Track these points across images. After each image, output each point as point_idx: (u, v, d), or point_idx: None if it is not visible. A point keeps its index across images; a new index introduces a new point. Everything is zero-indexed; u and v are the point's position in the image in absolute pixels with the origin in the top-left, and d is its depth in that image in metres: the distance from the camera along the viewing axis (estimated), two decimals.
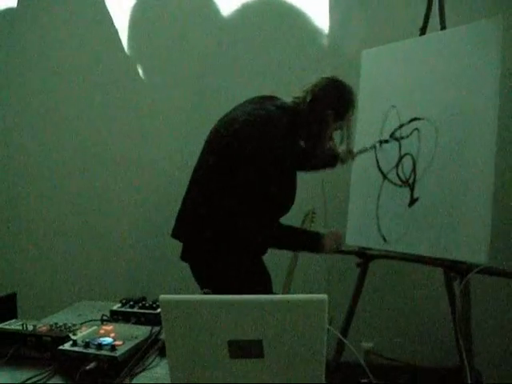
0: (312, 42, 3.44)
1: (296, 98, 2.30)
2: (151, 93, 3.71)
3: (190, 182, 2.38)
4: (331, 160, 2.66)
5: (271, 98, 2.35)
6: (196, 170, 2.36)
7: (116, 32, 3.70)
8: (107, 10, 3.70)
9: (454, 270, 2.44)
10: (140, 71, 3.71)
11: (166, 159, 3.69)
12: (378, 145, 2.78)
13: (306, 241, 2.31)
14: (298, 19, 3.44)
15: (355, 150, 2.77)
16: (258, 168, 2.13)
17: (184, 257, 2.36)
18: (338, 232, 2.39)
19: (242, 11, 3.52)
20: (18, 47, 3.87)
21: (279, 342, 1.18)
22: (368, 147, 2.78)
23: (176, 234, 2.37)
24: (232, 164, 2.15)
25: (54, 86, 3.83)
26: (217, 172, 2.20)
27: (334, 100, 2.28)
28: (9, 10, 3.87)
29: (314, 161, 2.48)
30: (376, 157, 2.86)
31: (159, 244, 3.63)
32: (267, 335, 1.17)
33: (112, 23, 3.70)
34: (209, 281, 2.28)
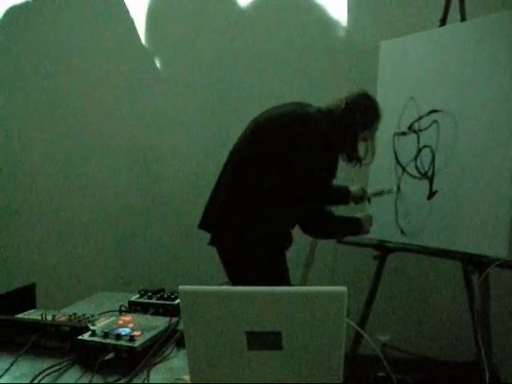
0: (330, 33, 3.42)
1: (329, 105, 2.44)
2: (167, 87, 3.71)
3: (223, 172, 2.47)
4: (344, 198, 2.78)
5: (303, 104, 2.47)
6: (233, 162, 2.44)
7: (132, 27, 3.71)
8: (124, 5, 3.71)
9: (473, 263, 2.42)
10: (158, 65, 3.72)
11: (182, 152, 3.70)
12: (395, 188, 2.82)
13: (351, 226, 2.51)
14: (315, 10, 3.42)
15: (370, 191, 2.82)
16: (312, 156, 2.29)
17: (213, 241, 2.43)
18: (369, 215, 2.58)
19: (258, 3, 3.50)
20: (37, 40, 3.88)
21: (298, 334, 1.18)
22: (385, 190, 2.80)
23: (205, 223, 2.46)
24: (284, 154, 2.29)
25: (64, 85, 3.85)
26: (265, 163, 2.32)
27: (363, 110, 2.43)
28: (25, 4, 3.88)
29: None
30: (394, 149, 2.84)
31: (178, 235, 3.65)
32: (286, 327, 1.17)
33: (128, 17, 3.70)
34: (235, 268, 2.39)
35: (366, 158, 2.53)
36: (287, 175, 2.28)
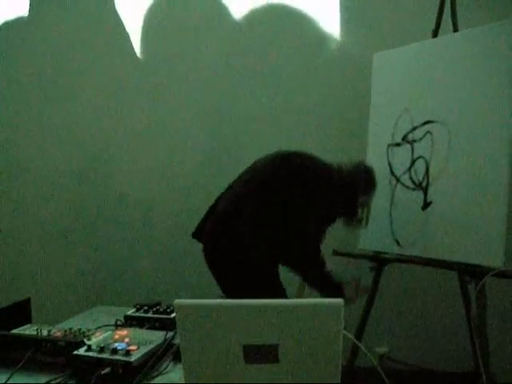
0: (322, 46, 3.44)
1: (331, 164, 2.50)
2: (164, 97, 3.72)
3: (225, 195, 2.50)
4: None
5: (314, 156, 2.51)
6: (235, 188, 2.48)
7: (127, 38, 3.72)
8: (119, 16, 3.72)
9: (469, 273, 2.43)
10: (152, 79, 3.73)
11: (177, 165, 3.70)
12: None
13: (332, 290, 2.42)
14: (307, 24, 3.44)
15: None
16: (320, 196, 2.36)
17: (206, 257, 2.44)
18: (356, 282, 2.51)
19: (251, 16, 3.52)
20: (32, 54, 3.89)
21: (295, 347, 1.17)
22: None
23: (198, 235, 2.48)
24: (287, 199, 2.33)
25: (63, 96, 3.86)
26: (268, 196, 2.35)
27: (362, 177, 2.50)
28: (19, 19, 3.90)
29: None
30: (388, 160, 2.85)
31: (173, 249, 3.65)
32: (282, 340, 1.17)
33: (124, 29, 3.72)
34: (227, 284, 2.40)
35: (361, 222, 2.59)
36: (287, 217, 2.31)
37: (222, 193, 2.52)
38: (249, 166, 2.53)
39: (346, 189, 2.45)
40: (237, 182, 2.49)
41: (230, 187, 2.51)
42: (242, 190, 2.42)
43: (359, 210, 2.52)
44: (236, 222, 2.33)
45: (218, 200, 2.52)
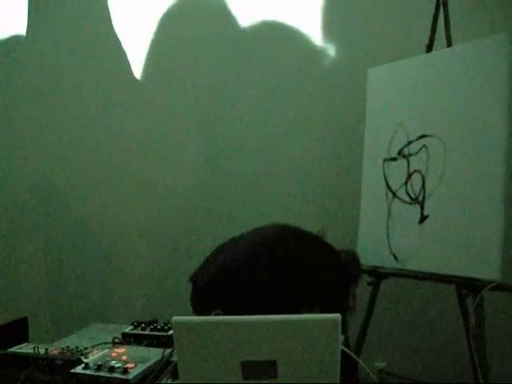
0: (316, 62, 3.46)
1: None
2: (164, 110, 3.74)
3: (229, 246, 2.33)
4: None
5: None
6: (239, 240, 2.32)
7: (123, 53, 3.74)
8: (113, 28, 3.74)
9: (467, 287, 2.42)
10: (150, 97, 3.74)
11: (181, 185, 3.69)
12: None
13: None
14: (300, 40, 3.46)
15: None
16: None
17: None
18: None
19: (248, 32, 3.54)
20: (33, 67, 3.91)
21: (293, 362, 1.17)
22: None
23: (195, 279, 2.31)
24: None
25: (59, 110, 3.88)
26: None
27: (355, 266, 2.43)
28: (14, 38, 3.93)
29: None
30: (384, 175, 2.85)
31: (170, 266, 3.64)
32: (280, 355, 1.16)
33: (119, 43, 3.74)
34: None
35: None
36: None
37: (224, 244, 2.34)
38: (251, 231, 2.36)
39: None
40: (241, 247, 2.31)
41: (234, 244, 2.32)
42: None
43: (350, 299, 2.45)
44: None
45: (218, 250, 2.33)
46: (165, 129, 3.72)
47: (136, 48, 3.73)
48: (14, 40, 3.94)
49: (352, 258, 2.44)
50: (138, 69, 3.74)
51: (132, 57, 3.74)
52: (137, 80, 3.74)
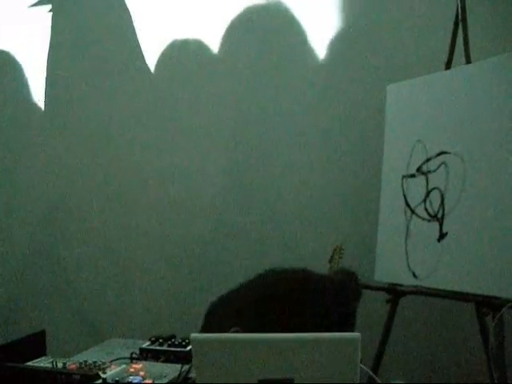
0: (335, 76, 3.46)
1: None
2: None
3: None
4: None
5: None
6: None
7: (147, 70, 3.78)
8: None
9: (486, 305, 2.40)
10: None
11: (195, 198, 3.71)
12: None
13: None
14: (318, 58, 3.47)
15: None
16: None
17: None
18: None
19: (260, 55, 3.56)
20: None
21: (311, 381, 1.16)
22: None
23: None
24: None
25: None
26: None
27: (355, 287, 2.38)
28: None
29: None
30: (403, 191, 2.84)
31: (188, 281, 3.64)
32: (299, 374, 1.16)
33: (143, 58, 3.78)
34: None
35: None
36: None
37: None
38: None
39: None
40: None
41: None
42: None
43: None
44: None
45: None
46: (188, 143, 3.74)
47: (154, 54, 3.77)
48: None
49: (348, 276, 2.37)
50: (157, 79, 3.78)
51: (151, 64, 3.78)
52: (155, 90, 3.77)
